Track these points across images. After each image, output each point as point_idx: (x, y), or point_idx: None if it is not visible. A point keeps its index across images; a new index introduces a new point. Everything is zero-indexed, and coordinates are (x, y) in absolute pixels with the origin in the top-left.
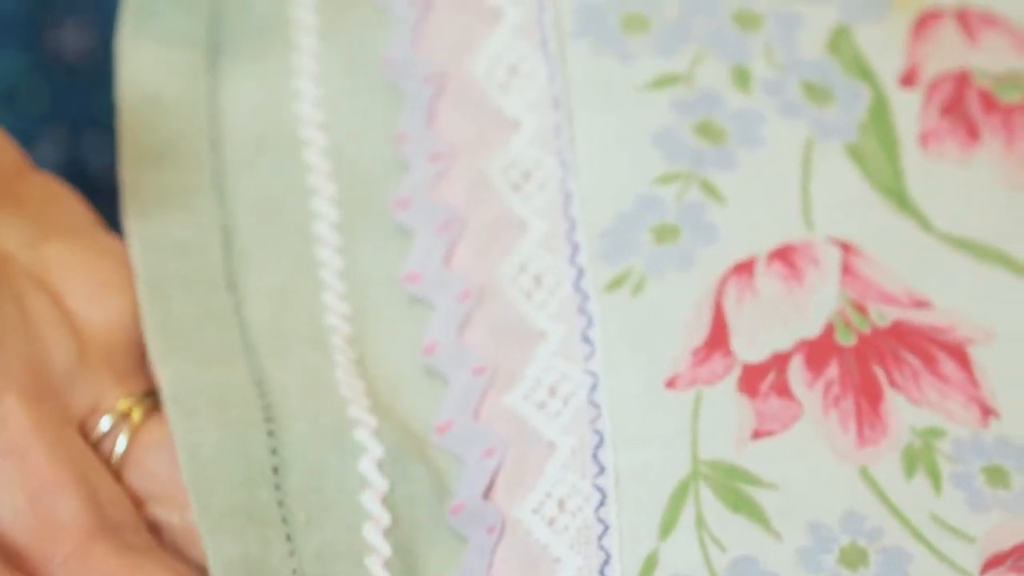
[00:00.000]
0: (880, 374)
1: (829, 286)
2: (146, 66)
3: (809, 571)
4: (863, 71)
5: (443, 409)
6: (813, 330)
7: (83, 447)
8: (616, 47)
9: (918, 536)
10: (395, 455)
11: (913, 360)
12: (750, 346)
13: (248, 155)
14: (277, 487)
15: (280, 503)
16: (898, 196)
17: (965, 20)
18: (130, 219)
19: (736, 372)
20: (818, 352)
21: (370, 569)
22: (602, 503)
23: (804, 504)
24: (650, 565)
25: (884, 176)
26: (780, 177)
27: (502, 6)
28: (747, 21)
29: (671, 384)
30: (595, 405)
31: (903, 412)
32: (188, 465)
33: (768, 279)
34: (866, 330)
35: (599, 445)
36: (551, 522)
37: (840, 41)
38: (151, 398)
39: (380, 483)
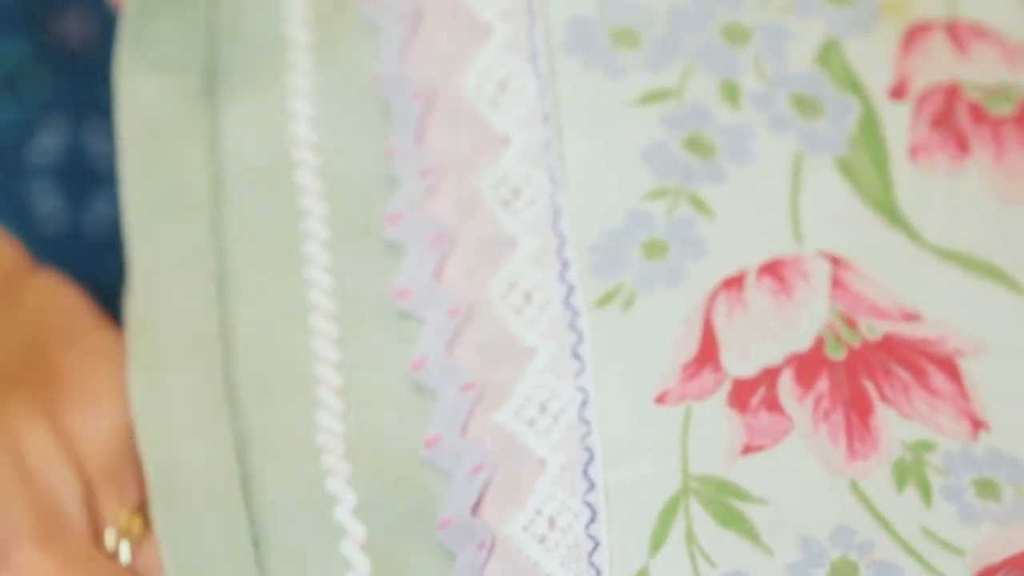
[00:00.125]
0: (870, 388)
1: (819, 300)
2: (145, 98)
3: None
4: (852, 84)
5: (432, 424)
6: (803, 344)
7: (114, 568)
8: (606, 62)
9: (909, 550)
10: (371, 498)
11: (903, 373)
12: (740, 361)
13: (246, 184)
14: (258, 563)
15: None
16: (888, 209)
17: (955, 32)
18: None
19: (726, 387)
20: (808, 366)
21: None
22: (592, 520)
23: (795, 519)
24: None
25: (874, 189)
26: (769, 191)
27: (492, 22)
28: (736, 35)
29: (661, 400)
30: (585, 422)
31: (893, 426)
32: (170, 554)
33: (758, 294)
34: (856, 344)
35: (589, 462)
36: (542, 539)
37: (829, 54)
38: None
39: (357, 530)
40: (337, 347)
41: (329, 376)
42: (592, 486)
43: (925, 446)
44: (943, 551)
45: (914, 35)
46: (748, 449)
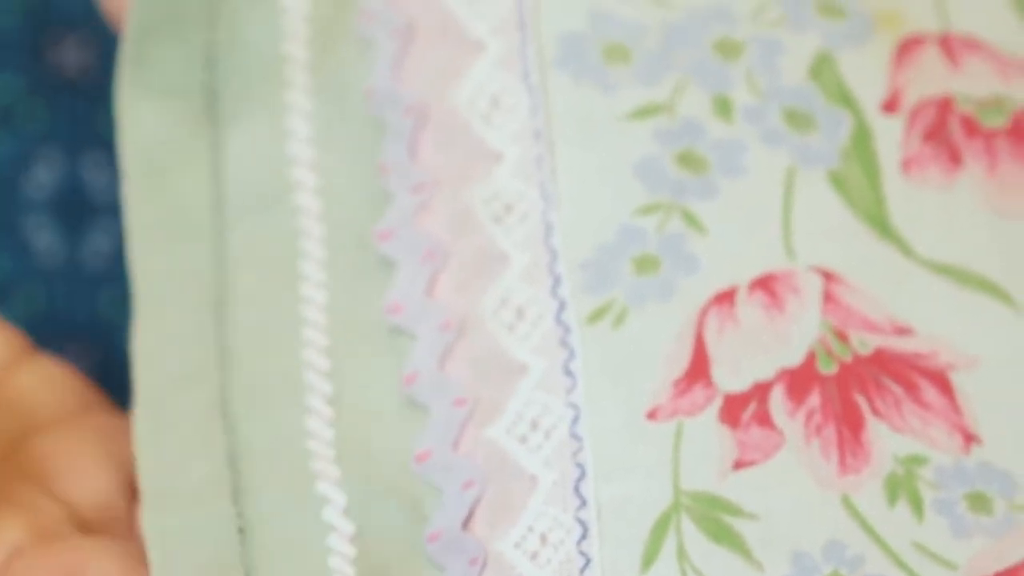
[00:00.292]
0: (862, 402)
1: (810, 315)
2: (147, 123)
3: None
4: (845, 98)
5: (423, 438)
6: (795, 359)
7: None
8: (598, 78)
9: (900, 564)
10: (360, 499)
11: (895, 388)
12: (731, 376)
13: (246, 207)
14: (243, 553)
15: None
16: (880, 223)
17: (948, 45)
18: (137, 317)
19: (717, 402)
20: (799, 381)
21: None
22: (584, 536)
23: (786, 534)
24: None
25: (866, 203)
26: (761, 206)
27: (484, 38)
28: (728, 50)
29: (652, 416)
30: (577, 438)
31: (885, 440)
32: (154, 545)
33: (749, 309)
34: (848, 358)
35: (581, 478)
36: (533, 556)
37: (822, 68)
38: None
39: (346, 527)
40: (328, 357)
41: (320, 384)
42: (584, 503)
43: (917, 460)
44: (935, 565)
45: (907, 48)
46: (739, 464)
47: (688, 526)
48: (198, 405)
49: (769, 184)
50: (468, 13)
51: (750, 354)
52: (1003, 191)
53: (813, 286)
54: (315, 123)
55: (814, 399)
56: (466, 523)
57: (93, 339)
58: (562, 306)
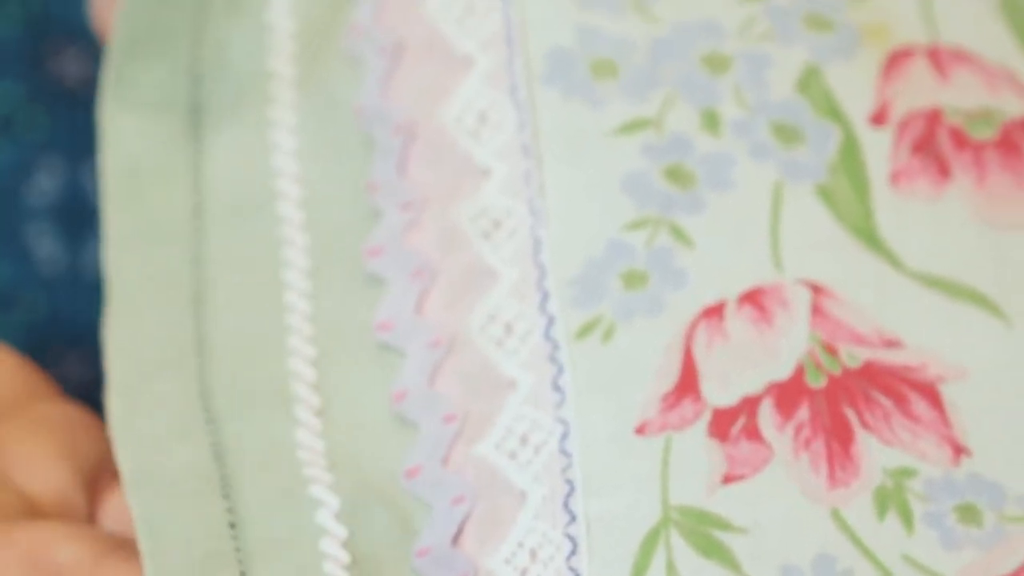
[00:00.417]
0: (851, 415)
1: (799, 328)
2: (128, 138)
3: None
4: (833, 111)
5: (413, 454)
6: (783, 372)
7: None
8: (585, 93)
9: None
10: (353, 505)
11: (884, 400)
12: (720, 390)
13: (227, 214)
14: (236, 547)
15: (238, 554)
16: (868, 235)
17: (936, 57)
18: (109, 309)
19: (706, 417)
20: (788, 395)
21: None
22: (573, 552)
23: (775, 548)
24: None
25: (854, 216)
26: (749, 220)
27: (472, 54)
28: (716, 64)
29: (641, 431)
30: (566, 454)
31: (874, 453)
32: (144, 533)
33: (738, 322)
34: (836, 371)
35: (570, 494)
36: (523, 573)
37: (810, 81)
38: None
39: (338, 530)
40: (315, 369)
41: (307, 395)
42: (573, 518)
43: (906, 473)
44: None
45: (895, 60)
46: (728, 479)
47: (677, 541)
48: (176, 390)
49: (757, 198)
50: (456, 30)
51: (739, 368)
52: (992, 203)
53: (801, 299)
54: (300, 138)
55: (803, 413)
56: (456, 539)
57: (94, 346)
58: (551, 322)
